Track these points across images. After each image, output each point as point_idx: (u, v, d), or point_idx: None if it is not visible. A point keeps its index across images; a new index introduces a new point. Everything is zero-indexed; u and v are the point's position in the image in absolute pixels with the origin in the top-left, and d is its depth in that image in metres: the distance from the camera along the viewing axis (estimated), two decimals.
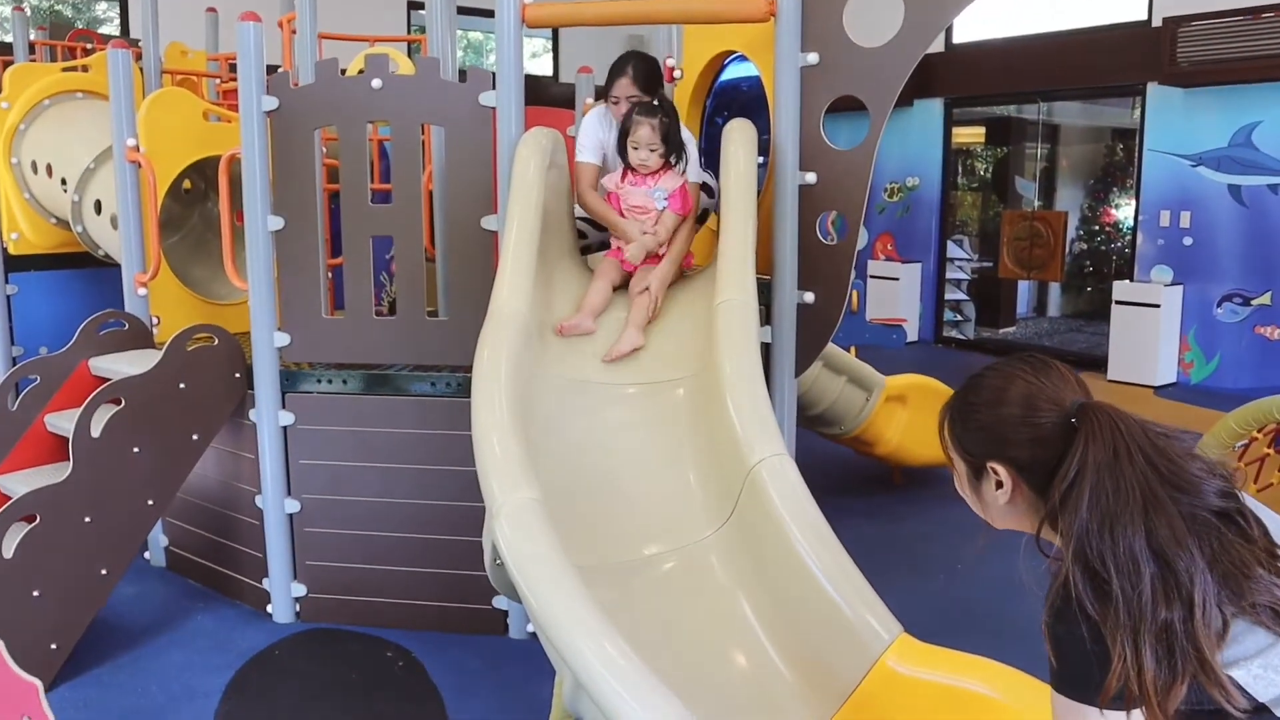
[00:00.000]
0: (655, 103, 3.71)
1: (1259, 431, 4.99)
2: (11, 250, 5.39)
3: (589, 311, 3.49)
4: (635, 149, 3.64)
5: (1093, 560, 1.34)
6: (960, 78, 10.27)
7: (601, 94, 3.95)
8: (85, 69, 5.61)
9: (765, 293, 3.90)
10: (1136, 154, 9.10)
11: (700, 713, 2.07)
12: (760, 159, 3.84)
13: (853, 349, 6.95)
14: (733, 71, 4.78)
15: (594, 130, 3.93)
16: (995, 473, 1.53)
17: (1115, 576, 1.32)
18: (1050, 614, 1.41)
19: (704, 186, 3.99)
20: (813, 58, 3.78)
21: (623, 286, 3.66)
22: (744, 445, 2.77)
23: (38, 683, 1.91)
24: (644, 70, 3.90)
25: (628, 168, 3.71)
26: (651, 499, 2.99)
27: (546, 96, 10.06)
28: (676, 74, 4.70)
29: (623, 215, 3.70)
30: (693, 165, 3.82)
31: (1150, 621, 1.30)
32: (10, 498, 3.66)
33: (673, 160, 3.69)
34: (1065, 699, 1.40)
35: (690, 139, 3.89)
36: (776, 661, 2.63)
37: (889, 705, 2.45)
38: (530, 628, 3.91)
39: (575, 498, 2.92)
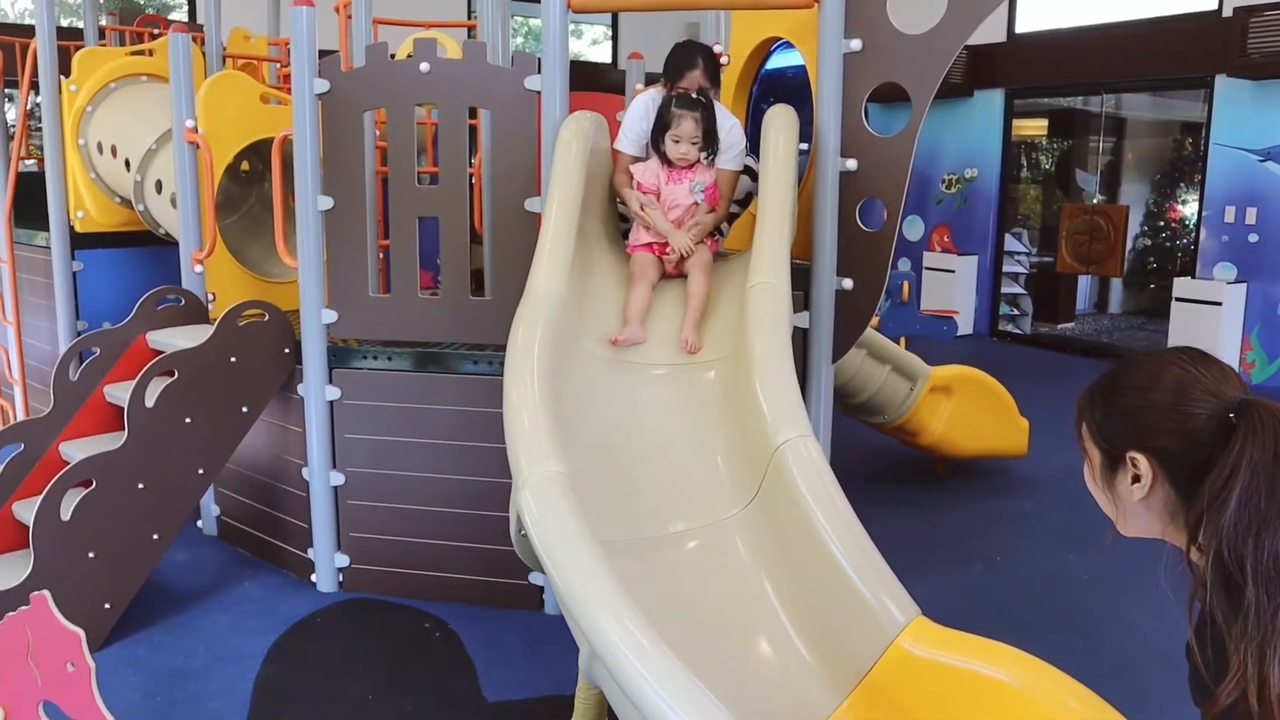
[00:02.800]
0: (696, 95, 3.70)
1: None
2: (78, 228, 5.56)
3: (636, 320, 3.44)
4: (676, 142, 3.62)
5: (1230, 565, 1.25)
6: (1022, 68, 10.13)
7: (666, 80, 3.91)
8: (150, 53, 5.77)
9: (804, 279, 3.92)
10: (1202, 147, 8.91)
11: (718, 690, 2.09)
12: (803, 145, 3.85)
13: (903, 340, 6.92)
14: (779, 59, 4.79)
15: (639, 118, 3.88)
16: (1135, 464, 1.39)
17: (1251, 583, 1.23)
18: (1196, 631, 1.32)
19: (749, 171, 4.00)
20: (856, 44, 3.78)
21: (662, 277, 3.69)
22: (770, 426, 2.80)
23: (80, 632, 2.01)
24: (714, 64, 3.92)
25: (665, 162, 3.68)
26: (679, 477, 3.03)
27: (605, 83, 10.12)
28: (724, 60, 4.72)
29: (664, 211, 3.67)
30: (736, 151, 3.83)
31: None
32: (70, 464, 3.82)
33: (704, 157, 3.69)
34: None
35: (737, 124, 3.91)
36: (795, 640, 2.66)
37: (903, 687, 2.46)
38: None
39: (604, 474, 2.97)
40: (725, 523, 2.88)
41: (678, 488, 3.01)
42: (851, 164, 3.84)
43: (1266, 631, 1.22)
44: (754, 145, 4.05)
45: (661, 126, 3.67)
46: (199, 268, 4.55)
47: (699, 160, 3.68)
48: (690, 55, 3.89)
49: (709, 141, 3.67)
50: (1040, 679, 2.33)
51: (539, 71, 3.87)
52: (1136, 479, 1.39)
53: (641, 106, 3.92)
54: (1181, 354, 1.40)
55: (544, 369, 2.88)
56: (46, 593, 2.12)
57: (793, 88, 4.67)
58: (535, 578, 4.07)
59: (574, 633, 2.48)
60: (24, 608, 2.15)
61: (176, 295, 4.51)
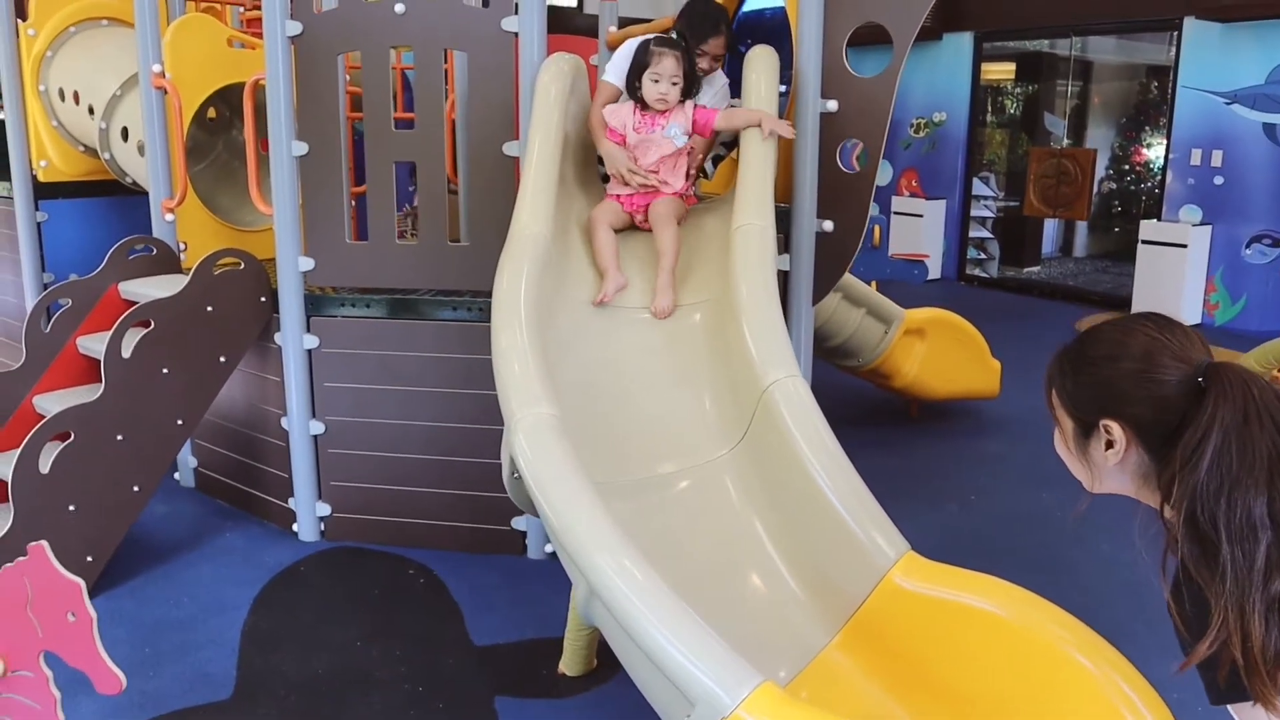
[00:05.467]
0: (674, 36, 3.65)
1: (1278, 370, 4.99)
2: (41, 178, 5.45)
3: (612, 265, 3.37)
4: (656, 81, 3.46)
5: (1204, 524, 1.29)
6: (991, 11, 10.11)
7: (686, 38, 3.80)
8: None
9: (784, 221, 3.91)
10: (1170, 91, 8.96)
11: (712, 626, 2.13)
12: (782, 87, 3.83)
13: (874, 283, 6.95)
14: (756, 1, 4.74)
15: (630, 56, 3.75)
16: (1108, 431, 1.42)
17: (1226, 542, 1.27)
18: (1172, 589, 1.36)
19: None
20: None
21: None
22: (758, 367, 2.82)
23: (80, 582, 1.99)
24: (732, 31, 3.93)
25: (640, 107, 3.54)
26: (667, 420, 3.05)
27: (571, 27, 9.99)
28: None
29: (637, 166, 3.54)
30: (718, 95, 3.84)
31: (1262, 589, 1.25)
32: (45, 417, 3.77)
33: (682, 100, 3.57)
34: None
35: (726, 87, 3.94)
36: (786, 577, 2.71)
37: (894, 620, 2.52)
38: (548, 548, 4.01)
39: (591, 417, 2.97)
40: (714, 463, 2.90)
41: (666, 429, 3.03)
42: (832, 105, 3.83)
43: (1245, 587, 1.26)
44: (734, 88, 4.03)
45: (639, 67, 3.51)
46: (170, 216, 4.47)
47: (678, 103, 3.58)
48: (715, 20, 3.84)
49: (689, 84, 3.55)
50: (1028, 608, 2.39)
51: (516, 12, 3.81)
52: (1110, 445, 1.43)
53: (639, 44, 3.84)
54: (1147, 321, 1.43)
55: (531, 312, 2.87)
56: (44, 543, 2.10)
57: (770, 28, 4.63)
58: (518, 522, 4.08)
59: (569, 572, 2.50)
60: (21, 559, 2.13)
61: (147, 245, 4.44)
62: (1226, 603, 1.26)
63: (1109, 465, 1.45)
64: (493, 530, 4.11)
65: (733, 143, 4.06)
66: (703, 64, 3.78)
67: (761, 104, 3.56)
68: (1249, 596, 1.25)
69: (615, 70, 3.77)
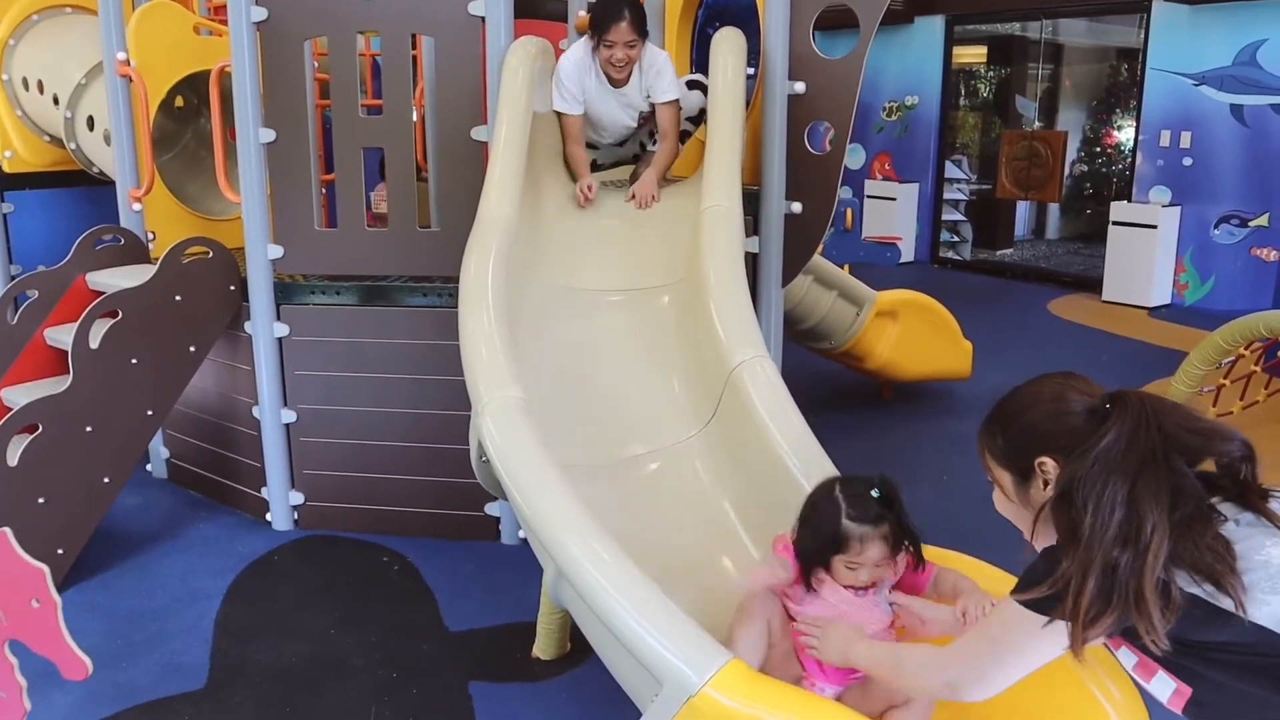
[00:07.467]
0: (877, 490, 2.35)
1: (1245, 348, 5.04)
2: (6, 168, 5.40)
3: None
4: (854, 569, 2.32)
5: (1076, 498, 1.48)
6: None
7: (592, 34, 3.69)
8: None
9: (753, 203, 3.92)
10: (1139, 73, 9.02)
11: (681, 607, 2.14)
12: (750, 70, 3.83)
13: (847, 266, 6.97)
14: None
15: (573, 78, 3.70)
16: (1042, 469, 1.61)
17: (1090, 515, 1.46)
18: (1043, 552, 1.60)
19: (700, 85, 3.96)
20: None
21: None
22: (726, 348, 2.83)
23: (44, 568, 1.98)
24: (640, 14, 3.64)
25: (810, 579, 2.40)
26: (636, 402, 3.06)
27: (540, 12, 9.92)
28: None
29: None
30: (668, 81, 3.75)
31: (1105, 555, 1.44)
32: (12, 410, 3.73)
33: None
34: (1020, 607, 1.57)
35: (664, 56, 3.81)
36: (755, 557, 2.72)
37: None
38: (521, 533, 4.01)
39: (561, 400, 2.98)
40: (684, 444, 2.92)
41: (635, 412, 3.04)
42: (800, 87, 3.84)
43: (1094, 553, 1.45)
44: (702, 68, 4.02)
45: (832, 546, 2.33)
46: (137, 206, 4.44)
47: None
48: (615, 8, 3.59)
49: (898, 543, 2.36)
50: (1000, 587, 2.39)
51: None
52: (1046, 483, 1.61)
53: (573, 64, 3.71)
54: (1053, 375, 1.68)
55: (498, 296, 2.88)
56: (7, 530, 2.08)
57: (738, 11, 4.63)
58: (491, 508, 4.09)
59: (538, 555, 2.51)
60: None
61: (115, 235, 4.40)
62: (1076, 560, 1.47)
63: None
64: (466, 516, 4.11)
65: (699, 119, 4.05)
66: (617, 54, 3.64)
67: (728, 85, 3.56)
68: (1094, 562, 1.45)
69: (566, 100, 3.71)
